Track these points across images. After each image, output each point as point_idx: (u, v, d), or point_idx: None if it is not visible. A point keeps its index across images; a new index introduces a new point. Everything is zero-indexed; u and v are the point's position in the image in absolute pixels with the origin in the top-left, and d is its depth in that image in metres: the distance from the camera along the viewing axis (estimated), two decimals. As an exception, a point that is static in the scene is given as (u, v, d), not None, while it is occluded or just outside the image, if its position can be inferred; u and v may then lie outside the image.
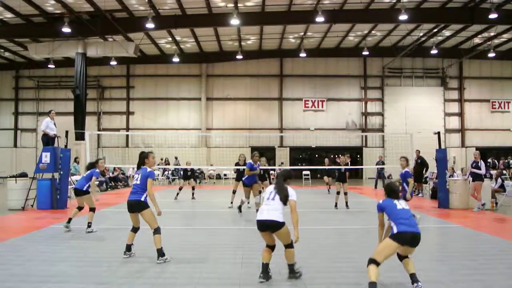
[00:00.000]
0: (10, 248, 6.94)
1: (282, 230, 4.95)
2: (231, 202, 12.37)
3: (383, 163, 21.27)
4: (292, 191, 5.14)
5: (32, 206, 12.21)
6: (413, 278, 4.87)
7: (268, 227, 4.98)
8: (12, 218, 10.63)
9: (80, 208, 8.71)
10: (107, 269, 5.74)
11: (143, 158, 6.53)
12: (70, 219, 8.65)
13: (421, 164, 16.54)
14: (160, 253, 6.13)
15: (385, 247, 4.77)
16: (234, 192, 12.65)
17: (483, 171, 11.93)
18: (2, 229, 9.03)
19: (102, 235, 8.33)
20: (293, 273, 5.19)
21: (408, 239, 4.72)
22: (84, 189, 8.70)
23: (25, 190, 12.11)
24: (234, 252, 6.76)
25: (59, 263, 6.01)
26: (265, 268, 5.06)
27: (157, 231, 6.18)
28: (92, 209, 8.66)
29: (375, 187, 19.94)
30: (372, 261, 4.70)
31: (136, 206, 6.25)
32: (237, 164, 13.64)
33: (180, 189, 15.27)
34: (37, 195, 12.16)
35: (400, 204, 5.03)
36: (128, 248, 6.43)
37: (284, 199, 5.02)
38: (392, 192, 5.17)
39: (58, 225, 9.10)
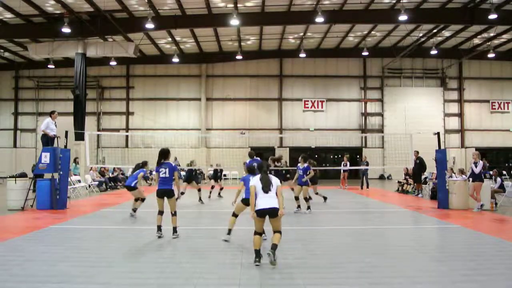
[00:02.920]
0: (10, 248, 6.93)
1: (279, 216, 5.90)
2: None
3: (367, 164, 21.32)
4: (275, 178, 6.19)
5: (31, 206, 12.20)
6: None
7: (269, 213, 5.89)
8: (12, 218, 10.62)
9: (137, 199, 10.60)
10: (107, 269, 5.74)
11: (166, 153, 7.95)
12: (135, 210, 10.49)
13: (420, 164, 16.55)
14: (175, 230, 7.76)
15: (238, 207, 7.58)
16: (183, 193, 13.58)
17: (477, 170, 11.89)
18: (2, 229, 9.02)
19: (102, 235, 8.34)
20: (274, 250, 5.76)
21: (246, 202, 7.21)
22: (132, 185, 10.55)
23: (25, 190, 12.08)
24: (234, 252, 6.77)
25: (59, 263, 6.01)
26: (258, 253, 5.88)
27: (175, 213, 7.84)
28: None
29: (361, 187, 19.95)
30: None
31: (169, 193, 7.75)
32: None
33: (213, 187, 15.64)
34: (37, 195, 12.15)
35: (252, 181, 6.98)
36: (159, 228, 7.79)
37: (266, 190, 5.97)
38: (251, 170, 7.54)
39: (58, 225, 9.11)
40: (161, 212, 7.83)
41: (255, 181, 6.09)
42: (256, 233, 5.96)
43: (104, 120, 29.96)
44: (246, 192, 7.26)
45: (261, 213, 5.90)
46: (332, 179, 25.38)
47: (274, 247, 5.78)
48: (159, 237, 7.69)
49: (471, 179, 12.16)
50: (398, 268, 5.88)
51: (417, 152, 16.67)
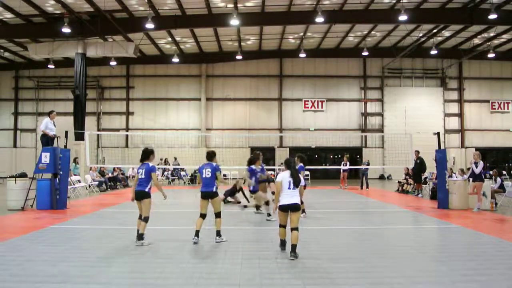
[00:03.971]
0: (10, 248, 6.93)
1: (299, 212, 6.45)
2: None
3: (368, 164, 21.31)
4: (300, 176, 6.59)
5: (31, 206, 12.20)
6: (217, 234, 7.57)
7: (291, 208, 6.33)
8: (12, 218, 10.62)
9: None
10: (107, 269, 5.74)
11: (149, 154, 7.49)
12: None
13: (420, 164, 16.54)
14: (141, 237, 7.17)
15: (200, 206, 7.46)
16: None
17: (477, 170, 11.89)
18: (2, 229, 9.02)
19: (102, 235, 8.33)
20: (295, 252, 6.23)
21: (203, 195, 7.43)
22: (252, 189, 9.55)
23: (25, 190, 12.08)
24: (234, 252, 6.77)
25: (59, 263, 6.01)
26: (284, 242, 6.57)
27: (146, 219, 7.26)
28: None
29: (361, 187, 19.97)
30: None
31: (142, 195, 7.27)
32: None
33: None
34: (37, 195, 12.14)
35: (205, 173, 7.44)
36: (140, 236, 7.16)
37: (298, 184, 6.40)
38: (209, 157, 7.84)
39: (58, 225, 9.10)
40: (141, 217, 7.38)
41: (282, 177, 6.44)
42: (281, 225, 6.53)
43: (104, 120, 29.96)
44: (202, 186, 7.45)
45: (284, 208, 6.37)
46: (332, 179, 25.41)
47: (293, 249, 6.25)
48: (138, 245, 7.12)
49: (471, 179, 12.16)
50: (398, 268, 5.88)
51: (418, 152, 16.68)
